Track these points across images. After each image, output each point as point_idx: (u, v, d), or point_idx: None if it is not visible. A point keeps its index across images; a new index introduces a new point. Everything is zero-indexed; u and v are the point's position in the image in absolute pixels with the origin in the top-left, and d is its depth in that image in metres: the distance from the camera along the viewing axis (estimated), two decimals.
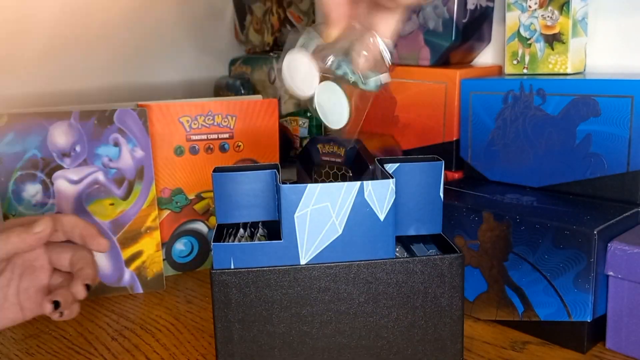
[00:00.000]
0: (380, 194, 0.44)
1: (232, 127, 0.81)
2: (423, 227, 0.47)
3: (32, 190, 0.71)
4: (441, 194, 0.47)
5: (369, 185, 0.44)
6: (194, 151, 0.80)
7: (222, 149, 0.81)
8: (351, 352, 0.46)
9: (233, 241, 0.50)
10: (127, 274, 0.75)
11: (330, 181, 0.78)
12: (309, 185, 0.43)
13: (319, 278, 0.45)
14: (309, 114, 0.96)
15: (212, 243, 0.46)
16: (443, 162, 0.46)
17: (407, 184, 0.46)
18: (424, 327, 0.46)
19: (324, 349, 0.46)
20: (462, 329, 0.47)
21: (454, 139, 0.75)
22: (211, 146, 0.80)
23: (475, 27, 0.77)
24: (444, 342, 0.46)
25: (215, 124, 0.80)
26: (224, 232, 0.52)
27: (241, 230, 0.52)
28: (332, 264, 0.45)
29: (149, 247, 0.75)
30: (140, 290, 0.75)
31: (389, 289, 0.45)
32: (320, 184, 0.43)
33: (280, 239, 0.45)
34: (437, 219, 0.48)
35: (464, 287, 0.46)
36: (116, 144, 0.73)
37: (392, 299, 0.46)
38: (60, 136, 0.72)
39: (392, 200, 0.44)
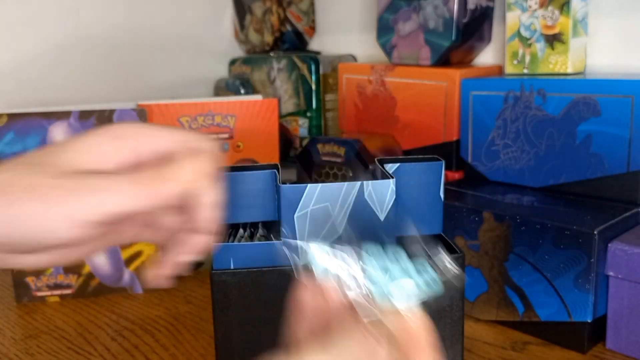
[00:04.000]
0: (380, 194, 0.44)
1: (232, 127, 0.81)
2: (423, 227, 0.47)
3: None
4: (442, 194, 0.47)
5: (369, 185, 0.44)
6: None
7: (222, 149, 0.81)
8: None
9: (233, 241, 0.50)
10: (127, 274, 0.74)
11: (331, 181, 0.78)
12: (309, 185, 0.43)
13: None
14: (308, 114, 0.96)
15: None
16: (443, 162, 0.46)
17: (407, 184, 0.46)
18: None
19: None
20: (462, 329, 0.47)
21: (454, 139, 0.75)
22: None
23: (475, 27, 0.77)
24: (444, 343, 0.46)
25: (215, 124, 0.80)
26: (222, 234, 0.52)
27: (241, 230, 0.52)
28: None
29: (149, 247, 0.75)
30: (140, 291, 0.75)
31: None
32: (320, 184, 0.43)
33: (280, 239, 0.45)
34: (438, 219, 0.47)
35: (464, 288, 0.46)
36: None
37: None
38: (60, 136, 0.72)
39: (393, 201, 0.44)
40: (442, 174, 0.46)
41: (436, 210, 0.47)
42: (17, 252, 0.32)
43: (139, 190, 0.31)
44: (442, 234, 0.48)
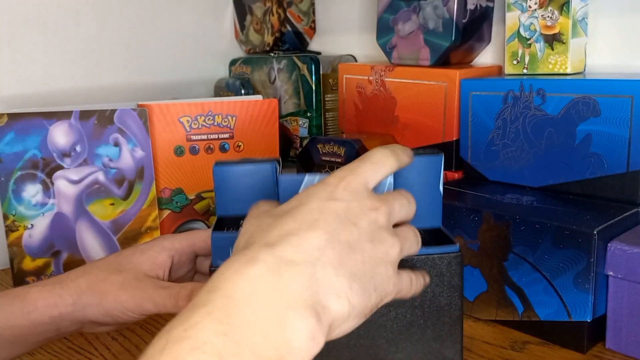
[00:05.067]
0: (378, 188, 0.44)
1: (232, 127, 0.81)
2: (422, 221, 0.47)
3: (32, 190, 0.71)
4: (441, 188, 0.46)
5: None
6: (194, 151, 0.80)
7: (222, 149, 0.81)
8: (350, 352, 0.46)
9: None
10: None
11: None
12: (307, 175, 0.43)
13: None
14: (308, 114, 0.96)
15: (211, 233, 0.45)
16: (443, 155, 0.46)
17: (406, 177, 0.45)
18: (423, 327, 0.46)
19: (323, 349, 0.46)
20: (461, 328, 0.47)
21: (454, 139, 0.75)
22: (211, 146, 0.80)
23: (475, 27, 0.77)
24: (443, 342, 0.46)
25: (216, 124, 0.80)
26: (223, 227, 0.51)
27: (242, 223, 0.52)
28: None
29: None
30: None
31: None
32: (318, 174, 0.43)
33: None
34: (437, 213, 0.47)
35: (463, 287, 0.46)
36: (116, 144, 0.73)
37: None
38: (60, 136, 0.72)
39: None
40: (442, 167, 0.46)
41: (435, 204, 0.47)
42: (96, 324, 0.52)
43: (171, 301, 0.50)
44: (442, 227, 0.48)
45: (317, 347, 0.31)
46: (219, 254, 0.45)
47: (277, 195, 0.45)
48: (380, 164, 0.39)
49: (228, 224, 0.52)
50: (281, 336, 0.30)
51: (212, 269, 0.45)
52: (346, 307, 0.33)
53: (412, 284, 0.40)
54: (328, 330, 0.32)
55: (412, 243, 0.39)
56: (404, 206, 0.39)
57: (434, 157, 0.46)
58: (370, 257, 0.35)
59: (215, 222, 0.48)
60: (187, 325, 0.29)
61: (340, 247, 0.34)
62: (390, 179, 0.43)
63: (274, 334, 0.30)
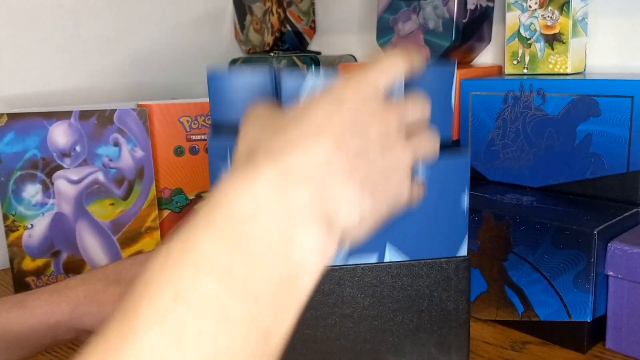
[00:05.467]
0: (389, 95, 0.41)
1: None
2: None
3: (32, 190, 0.71)
4: (453, 100, 0.44)
5: None
6: (194, 151, 0.80)
7: None
8: (355, 356, 0.46)
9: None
10: None
11: None
12: (309, 73, 0.41)
13: (323, 281, 0.44)
14: None
15: (208, 140, 0.44)
16: (455, 64, 0.44)
17: (416, 89, 0.42)
18: (430, 331, 0.46)
19: (328, 353, 0.46)
20: (468, 333, 0.46)
21: (454, 139, 0.75)
22: None
23: (475, 27, 0.77)
24: (449, 346, 0.46)
25: None
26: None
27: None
28: (337, 267, 0.45)
29: (149, 247, 0.75)
30: None
31: (393, 293, 0.45)
32: (322, 71, 0.41)
33: None
34: (448, 126, 0.45)
35: (470, 291, 0.46)
36: (116, 144, 0.73)
37: (397, 303, 0.45)
38: (60, 136, 0.72)
39: (401, 95, 0.41)
40: (454, 78, 0.44)
41: (447, 117, 0.44)
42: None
43: None
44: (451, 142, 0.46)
45: (328, 257, 0.30)
46: (217, 165, 0.44)
47: (276, 97, 0.44)
48: (391, 65, 0.36)
49: (224, 133, 0.48)
50: (291, 248, 0.28)
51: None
52: (357, 216, 0.31)
53: (418, 191, 0.38)
54: (339, 239, 0.31)
55: (427, 148, 0.37)
56: (417, 110, 0.36)
57: (446, 68, 0.44)
58: (381, 164, 0.33)
59: (210, 130, 0.46)
60: (190, 243, 0.27)
61: (348, 155, 0.31)
62: (401, 86, 0.40)
63: (283, 247, 0.28)
